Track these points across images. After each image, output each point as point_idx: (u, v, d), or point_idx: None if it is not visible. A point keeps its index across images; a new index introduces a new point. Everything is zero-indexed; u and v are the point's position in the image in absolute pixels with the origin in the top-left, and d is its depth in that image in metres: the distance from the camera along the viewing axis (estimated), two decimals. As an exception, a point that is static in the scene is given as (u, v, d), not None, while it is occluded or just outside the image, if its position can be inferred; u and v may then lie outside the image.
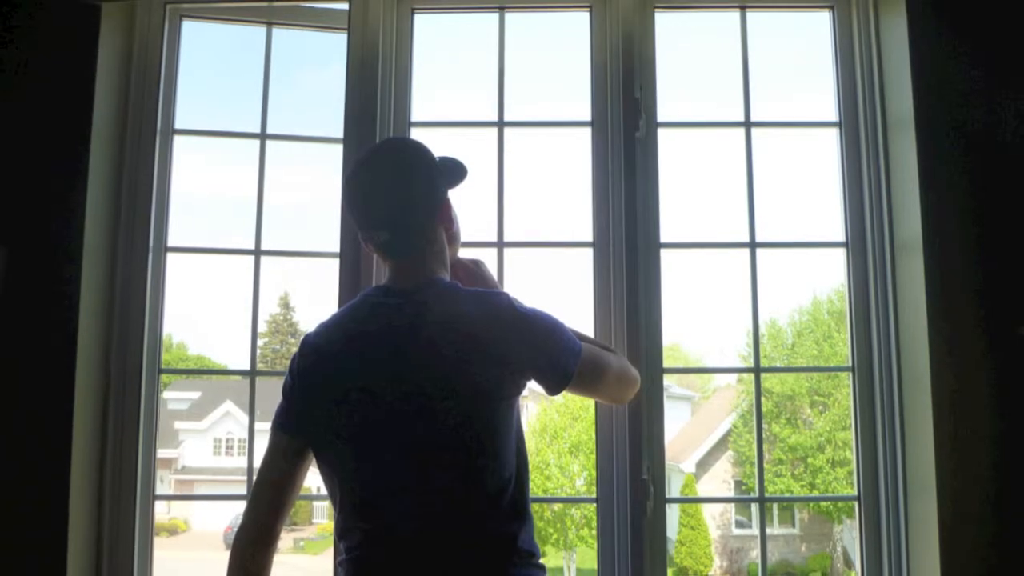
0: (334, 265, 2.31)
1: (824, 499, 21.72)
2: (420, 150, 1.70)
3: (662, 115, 2.40)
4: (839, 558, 21.60)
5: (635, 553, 2.16)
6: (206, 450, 26.26)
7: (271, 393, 1.86)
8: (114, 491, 2.25)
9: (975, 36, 2.25)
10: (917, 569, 2.18)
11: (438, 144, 1.77)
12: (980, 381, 2.13)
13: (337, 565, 1.65)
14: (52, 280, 2.16)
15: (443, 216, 1.70)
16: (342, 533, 1.59)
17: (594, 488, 2.29)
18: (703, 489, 21.84)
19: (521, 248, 2.48)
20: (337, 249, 2.30)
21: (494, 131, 2.44)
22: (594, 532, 2.34)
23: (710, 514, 21.60)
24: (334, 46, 2.43)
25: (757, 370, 2.45)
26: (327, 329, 1.66)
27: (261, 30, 2.48)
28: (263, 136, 2.44)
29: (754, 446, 2.66)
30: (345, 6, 2.41)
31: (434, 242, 1.68)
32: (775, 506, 21.38)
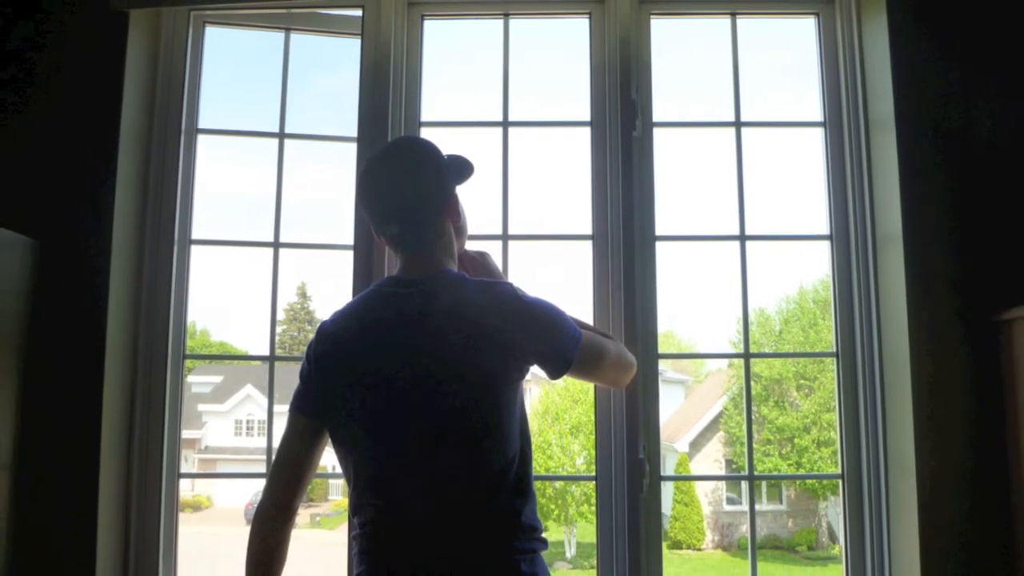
0: (348, 257, 2.31)
1: (810, 477, 21.72)
2: (429, 149, 1.70)
3: (657, 115, 2.40)
4: (824, 532, 21.63)
5: (632, 528, 2.17)
6: (228, 431, 26.31)
7: (289, 377, 1.86)
8: (141, 469, 2.26)
9: (952, 41, 2.25)
10: (897, 542, 2.18)
11: (446, 142, 1.76)
12: (956, 366, 2.14)
13: (351, 539, 1.65)
14: (83, 271, 2.17)
15: (451, 211, 1.70)
16: (356, 509, 1.59)
17: (593, 467, 2.30)
18: (696, 468, 21.86)
19: (525, 240, 2.48)
20: (351, 242, 2.31)
21: (499, 130, 2.44)
22: (593, 508, 2.34)
23: (702, 491, 21.64)
24: (346, 50, 2.42)
25: (747, 355, 2.46)
26: (342, 317, 1.66)
27: (279, 35, 2.48)
28: (281, 135, 2.44)
29: (744, 427, 2.67)
30: (359, 12, 2.41)
31: (443, 235, 1.68)
32: (764, 484, 21.40)
